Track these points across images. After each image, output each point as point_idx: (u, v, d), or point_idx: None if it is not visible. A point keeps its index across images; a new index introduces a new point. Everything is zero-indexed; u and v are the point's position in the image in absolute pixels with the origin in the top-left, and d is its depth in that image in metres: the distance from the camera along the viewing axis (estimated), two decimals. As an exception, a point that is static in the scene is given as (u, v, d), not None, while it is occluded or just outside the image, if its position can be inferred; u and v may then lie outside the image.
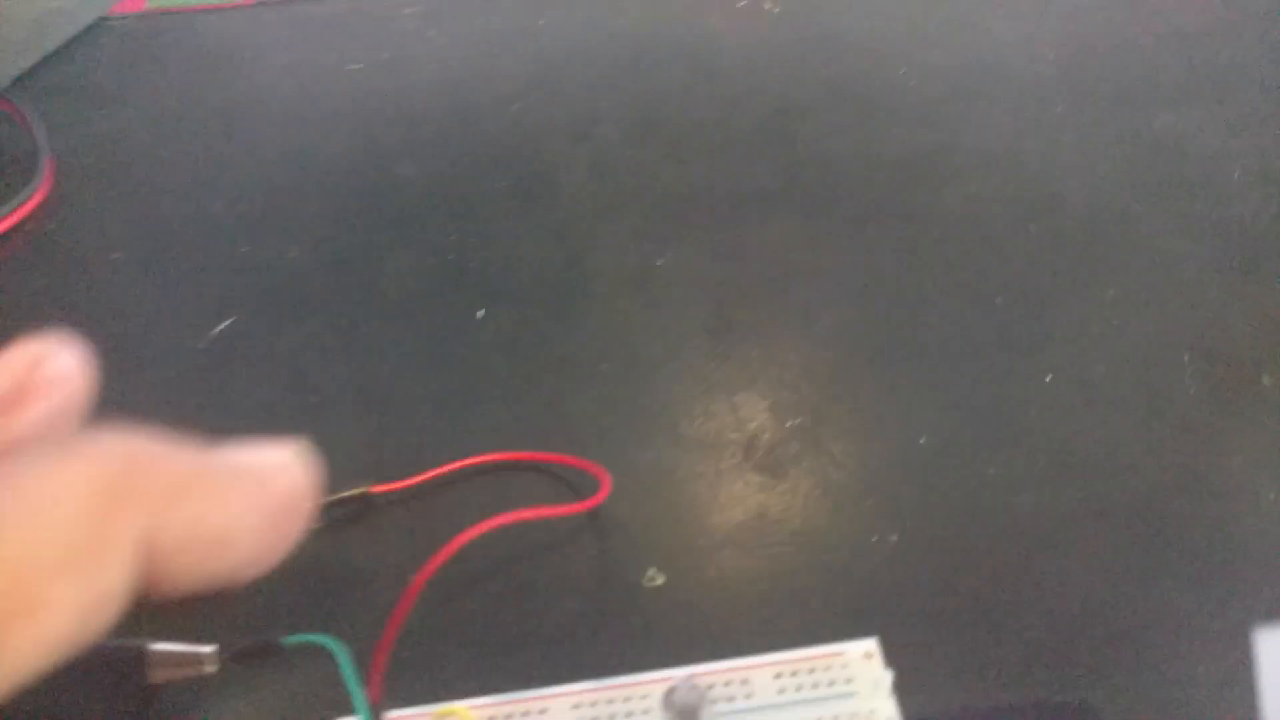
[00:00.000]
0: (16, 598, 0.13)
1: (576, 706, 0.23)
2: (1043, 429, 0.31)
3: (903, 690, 0.23)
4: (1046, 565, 0.27)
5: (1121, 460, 0.30)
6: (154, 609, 0.15)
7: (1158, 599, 0.26)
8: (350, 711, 0.21)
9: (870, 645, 0.24)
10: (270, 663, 0.24)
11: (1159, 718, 0.24)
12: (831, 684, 0.24)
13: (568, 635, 0.26)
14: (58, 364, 0.17)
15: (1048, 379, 0.32)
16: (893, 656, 0.24)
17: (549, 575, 0.28)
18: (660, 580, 0.28)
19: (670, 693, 0.22)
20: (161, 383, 0.33)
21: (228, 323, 0.35)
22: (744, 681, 0.24)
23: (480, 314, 0.35)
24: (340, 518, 0.29)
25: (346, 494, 0.29)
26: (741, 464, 0.30)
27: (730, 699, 0.23)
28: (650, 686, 0.23)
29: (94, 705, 0.25)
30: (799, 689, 0.24)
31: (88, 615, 0.14)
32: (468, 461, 0.29)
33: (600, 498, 0.27)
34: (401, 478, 0.29)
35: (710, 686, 0.22)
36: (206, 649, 0.24)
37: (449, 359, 0.33)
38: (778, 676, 0.24)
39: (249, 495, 0.16)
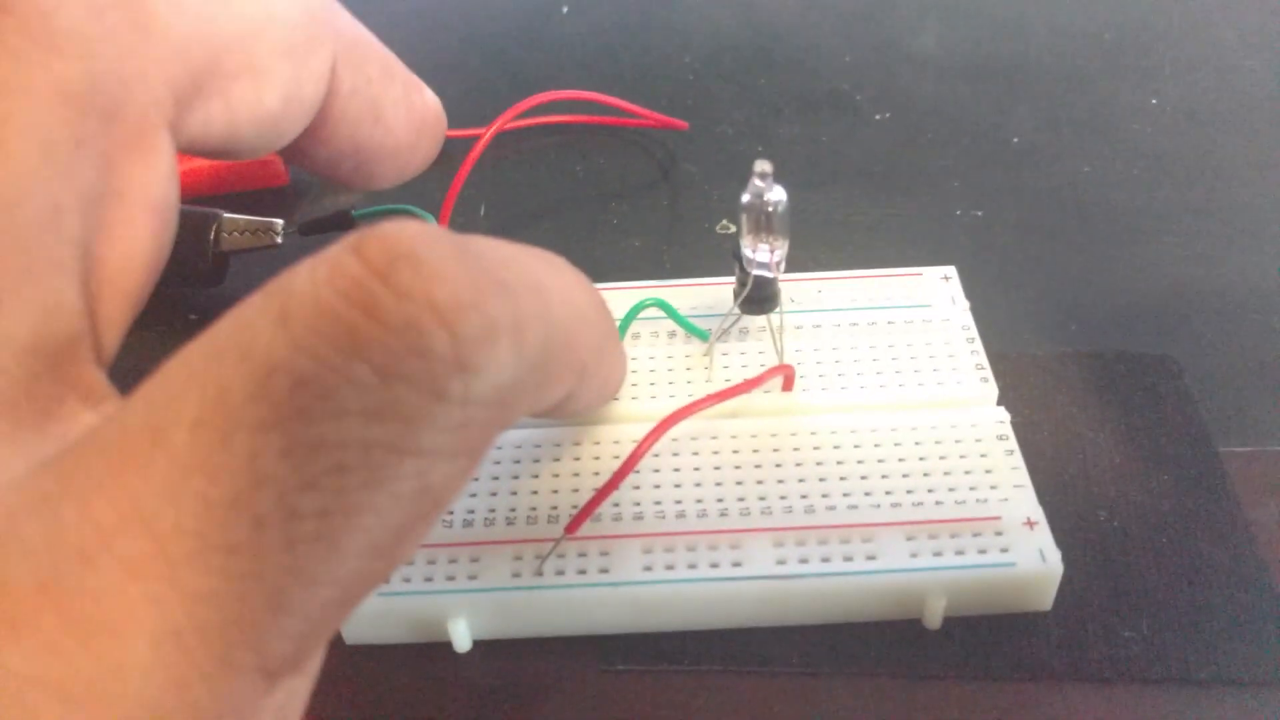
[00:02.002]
0: (241, 59, 0.15)
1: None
2: (1143, 142, 0.29)
3: (980, 325, 0.22)
4: (1139, 250, 0.26)
5: (1223, 170, 0.28)
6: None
7: (1252, 279, 0.25)
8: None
9: (949, 270, 0.23)
10: (340, 236, 0.24)
11: (1239, 375, 0.23)
12: (908, 296, 0.23)
13: (637, 267, 0.26)
14: None
15: (1153, 101, 0.31)
16: (972, 294, 0.23)
17: (621, 218, 0.27)
18: (733, 229, 0.27)
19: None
20: None
21: None
22: (819, 292, 0.23)
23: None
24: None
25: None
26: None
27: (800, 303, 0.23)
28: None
29: (170, 265, 0.25)
30: (871, 300, 0.23)
31: (291, 99, 0.16)
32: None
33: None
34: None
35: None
36: (276, 221, 0.24)
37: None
38: (853, 289, 0.23)
39: (404, 87, 0.18)
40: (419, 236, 0.11)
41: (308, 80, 0.16)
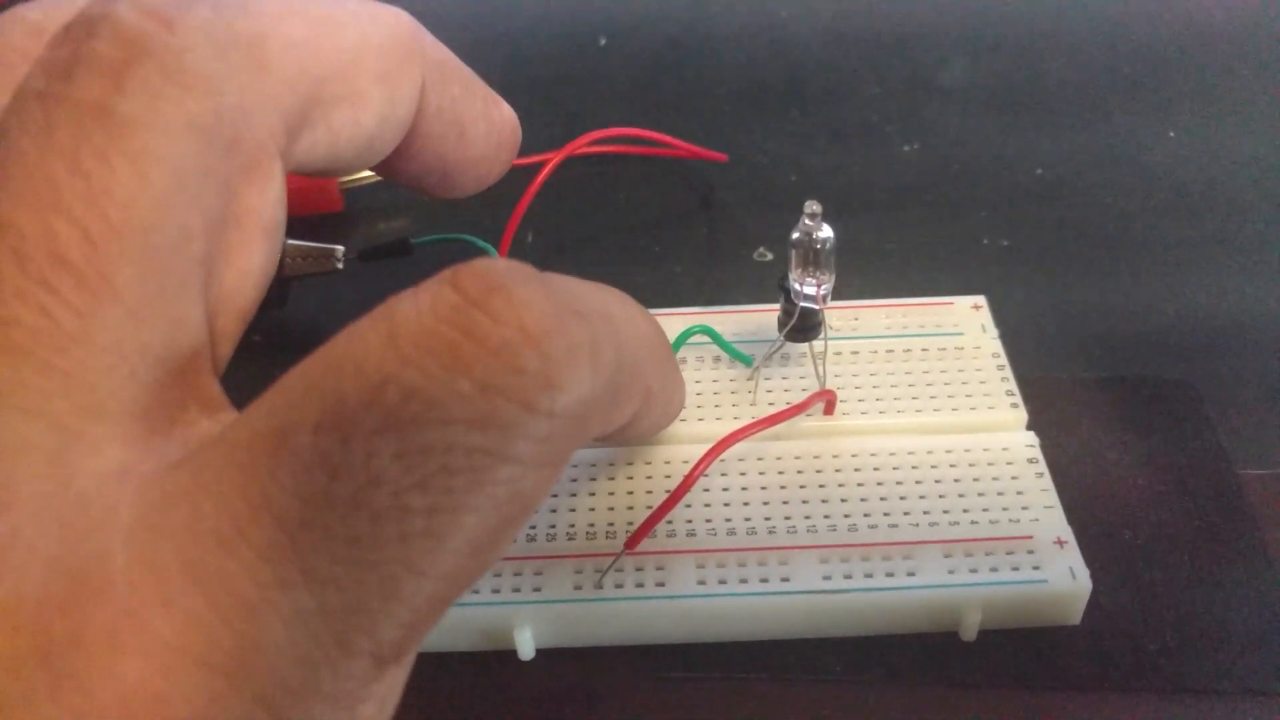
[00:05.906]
0: (342, 87, 0.16)
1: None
2: (1162, 173, 0.31)
3: (1007, 350, 0.24)
4: (1160, 279, 0.27)
5: (1239, 201, 0.29)
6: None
7: (1270, 307, 0.26)
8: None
9: (979, 300, 0.25)
10: (400, 262, 0.26)
11: (1257, 400, 0.24)
12: (940, 324, 0.24)
13: (679, 292, 0.27)
14: None
15: (1171, 134, 0.32)
16: (999, 319, 0.24)
17: (662, 245, 0.29)
18: (770, 257, 0.28)
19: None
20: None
21: None
22: (855, 319, 0.24)
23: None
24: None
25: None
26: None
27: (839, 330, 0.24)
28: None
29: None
30: (905, 328, 0.24)
31: (386, 121, 0.17)
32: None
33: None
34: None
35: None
36: (337, 247, 0.25)
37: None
38: (888, 317, 0.24)
39: (484, 102, 0.19)
40: (509, 271, 0.12)
41: (400, 102, 0.17)
